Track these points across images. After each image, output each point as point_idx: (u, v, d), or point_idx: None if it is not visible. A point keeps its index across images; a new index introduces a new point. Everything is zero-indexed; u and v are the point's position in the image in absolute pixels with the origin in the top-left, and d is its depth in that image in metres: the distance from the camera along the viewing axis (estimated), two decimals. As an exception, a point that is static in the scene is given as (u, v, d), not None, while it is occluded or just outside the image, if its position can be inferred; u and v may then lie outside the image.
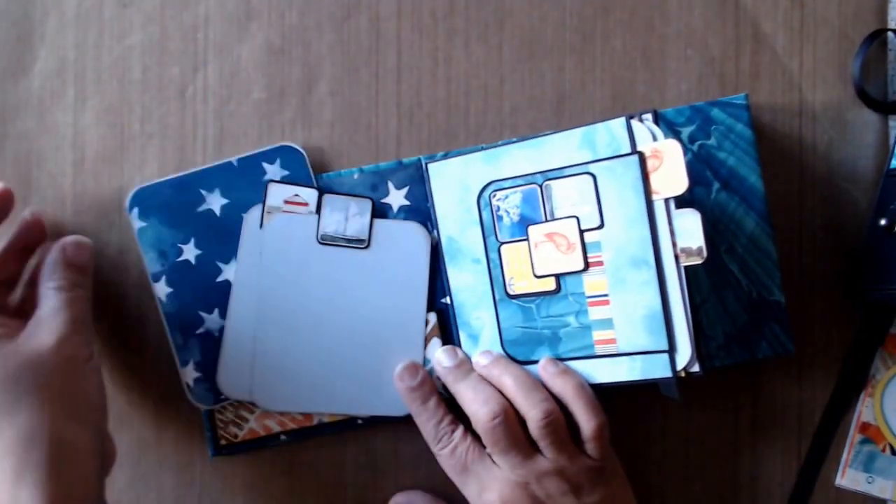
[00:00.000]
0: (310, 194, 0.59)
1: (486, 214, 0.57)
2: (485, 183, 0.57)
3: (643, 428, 0.61)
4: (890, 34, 0.60)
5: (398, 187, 0.59)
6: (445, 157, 0.59)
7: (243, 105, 0.61)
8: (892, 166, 0.58)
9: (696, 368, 0.52)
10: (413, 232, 0.59)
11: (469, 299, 0.58)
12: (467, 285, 0.58)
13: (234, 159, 0.60)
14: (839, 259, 0.60)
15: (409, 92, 0.61)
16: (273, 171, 0.60)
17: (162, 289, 0.60)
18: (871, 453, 0.60)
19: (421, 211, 0.59)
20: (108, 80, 0.61)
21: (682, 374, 0.53)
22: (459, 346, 0.59)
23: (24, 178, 0.61)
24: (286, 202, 0.59)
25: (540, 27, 0.61)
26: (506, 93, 0.61)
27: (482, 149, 0.57)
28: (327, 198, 0.59)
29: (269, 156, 0.60)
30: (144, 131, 0.61)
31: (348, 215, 0.59)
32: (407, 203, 0.59)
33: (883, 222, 0.57)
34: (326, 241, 0.59)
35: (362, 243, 0.59)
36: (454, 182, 0.58)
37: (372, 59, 0.61)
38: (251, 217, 0.59)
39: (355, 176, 0.60)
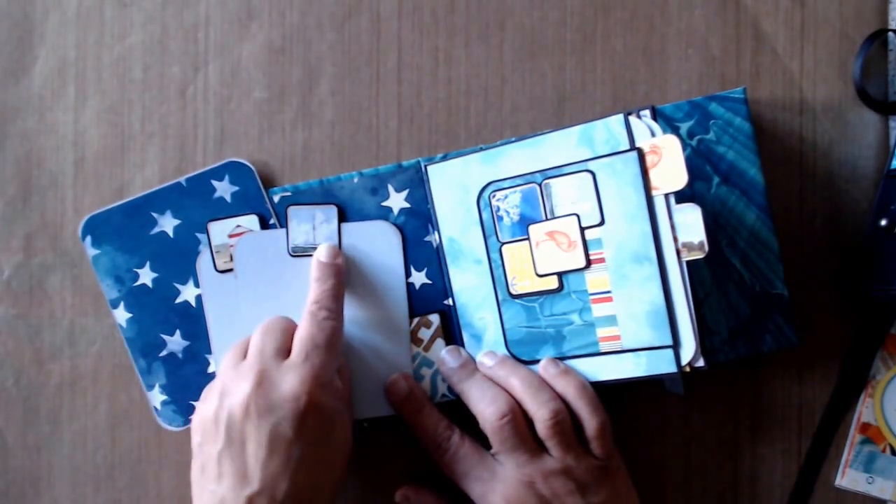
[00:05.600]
0: (251, 220, 0.59)
1: (486, 215, 0.57)
2: (484, 183, 0.57)
3: (644, 428, 0.61)
4: (890, 34, 0.60)
5: (398, 190, 0.59)
6: (444, 158, 0.59)
7: (244, 104, 0.61)
8: (892, 167, 0.58)
9: (700, 363, 0.52)
10: (382, 230, 0.59)
11: (472, 300, 0.58)
12: (470, 286, 0.58)
13: (182, 179, 0.59)
14: (839, 259, 0.60)
15: (410, 92, 0.61)
16: (222, 187, 0.59)
17: (121, 315, 0.59)
18: (871, 454, 0.60)
19: (421, 213, 0.59)
20: (108, 80, 0.61)
21: (687, 369, 0.53)
22: (463, 347, 0.59)
23: (24, 178, 0.61)
24: (231, 236, 0.59)
25: (540, 27, 0.61)
26: (506, 93, 0.61)
27: (481, 149, 0.57)
28: (292, 210, 0.59)
29: (218, 173, 0.60)
30: (145, 131, 0.61)
31: (315, 224, 0.59)
32: (407, 206, 0.59)
33: (883, 223, 0.57)
34: (298, 252, 0.59)
35: None
36: (453, 183, 0.58)
37: (372, 59, 0.61)
38: (203, 261, 0.59)
39: (355, 179, 0.59)
